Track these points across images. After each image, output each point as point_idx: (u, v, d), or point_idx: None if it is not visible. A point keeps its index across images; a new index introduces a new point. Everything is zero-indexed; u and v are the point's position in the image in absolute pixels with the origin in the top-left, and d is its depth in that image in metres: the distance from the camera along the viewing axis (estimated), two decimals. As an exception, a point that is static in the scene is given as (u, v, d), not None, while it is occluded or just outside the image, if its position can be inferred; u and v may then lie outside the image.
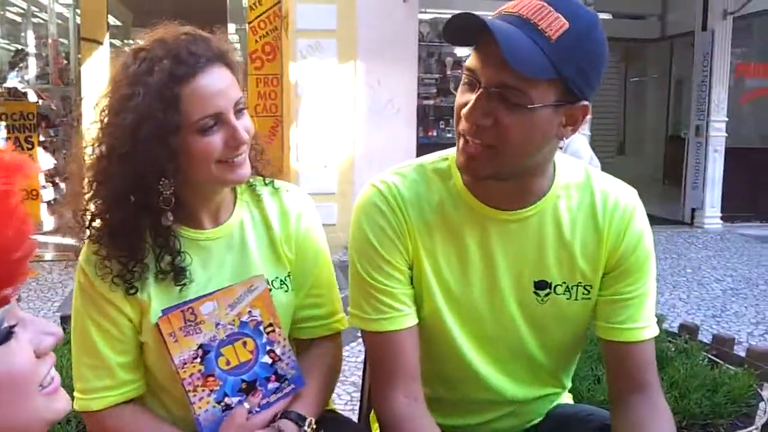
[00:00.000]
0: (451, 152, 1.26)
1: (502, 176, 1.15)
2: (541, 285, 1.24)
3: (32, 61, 9.23)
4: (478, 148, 1.10)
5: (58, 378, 0.77)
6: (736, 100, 8.89)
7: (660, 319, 2.78)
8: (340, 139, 6.60)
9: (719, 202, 8.63)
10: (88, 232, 1.19)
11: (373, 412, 1.50)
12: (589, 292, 1.25)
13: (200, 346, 1.16)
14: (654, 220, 7.35)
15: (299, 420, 1.20)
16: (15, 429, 0.72)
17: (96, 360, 1.20)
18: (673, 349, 2.43)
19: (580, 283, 1.24)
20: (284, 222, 1.32)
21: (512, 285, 1.24)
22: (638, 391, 1.22)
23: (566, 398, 1.44)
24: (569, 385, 1.44)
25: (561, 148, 1.20)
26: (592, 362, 2.26)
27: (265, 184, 1.35)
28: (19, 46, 10.20)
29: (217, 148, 1.16)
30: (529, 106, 1.05)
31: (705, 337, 3.12)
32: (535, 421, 1.38)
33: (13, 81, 8.48)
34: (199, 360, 1.16)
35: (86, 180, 1.17)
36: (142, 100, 1.10)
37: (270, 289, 1.24)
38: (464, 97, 1.11)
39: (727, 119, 8.47)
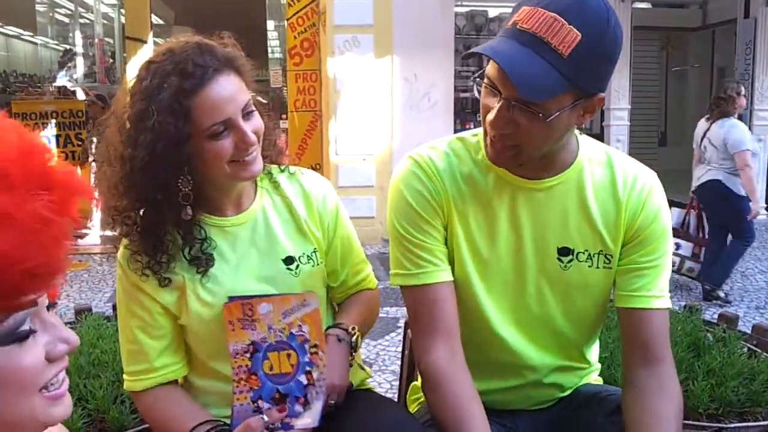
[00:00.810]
0: (479, 130, 1.33)
1: (529, 163, 1.24)
2: (564, 251, 1.30)
3: (80, 61, 9.52)
4: (504, 146, 1.19)
5: (66, 384, 0.80)
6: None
7: (696, 308, 2.80)
8: (378, 132, 6.68)
9: (764, 194, 8.46)
10: (119, 228, 1.29)
11: (409, 391, 1.58)
12: (609, 261, 1.30)
13: (252, 343, 1.23)
14: None
15: (345, 333, 1.35)
16: (8, 424, 0.77)
17: (134, 345, 1.30)
18: (711, 338, 2.44)
19: (601, 251, 1.30)
20: (307, 202, 1.42)
21: (537, 250, 1.30)
22: (650, 363, 1.26)
23: (595, 380, 1.49)
24: (595, 361, 1.49)
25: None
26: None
27: (281, 171, 1.45)
28: (67, 46, 10.52)
29: (228, 151, 1.24)
30: (547, 119, 1.12)
31: (747, 328, 3.11)
32: (563, 395, 1.43)
33: (62, 80, 8.76)
34: (249, 355, 1.23)
35: (111, 182, 1.26)
36: (156, 119, 1.18)
37: (318, 308, 1.29)
38: (487, 100, 1.18)
39: (770, 107, 8.31)
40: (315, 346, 1.23)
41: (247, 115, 1.26)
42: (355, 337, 1.37)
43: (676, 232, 5.30)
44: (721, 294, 5.16)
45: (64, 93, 7.72)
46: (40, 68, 15.54)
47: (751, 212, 4.98)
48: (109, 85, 9.33)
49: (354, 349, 1.36)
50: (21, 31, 15.02)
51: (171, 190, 1.24)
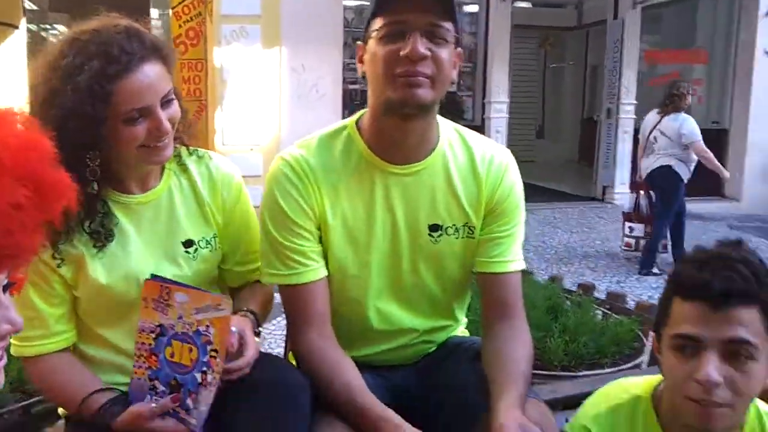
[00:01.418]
0: (348, 121, 1.46)
1: (428, 108, 1.35)
2: (434, 228, 1.44)
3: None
4: (423, 79, 1.30)
5: (3, 361, 0.86)
6: (645, 84, 9.45)
7: (557, 278, 3.09)
8: (265, 123, 6.69)
9: (628, 180, 9.17)
10: None
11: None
12: (472, 232, 1.46)
13: (160, 325, 1.27)
14: (567, 197, 7.85)
15: (253, 315, 1.40)
16: None
17: (32, 312, 1.32)
18: (568, 303, 2.71)
19: (465, 224, 1.45)
20: (213, 189, 1.45)
21: (410, 229, 1.44)
22: (505, 318, 1.44)
23: (462, 332, 1.66)
24: (462, 317, 1.66)
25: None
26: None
27: (190, 154, 1.48)
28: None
29: (140, 137, 1.26)
30: (446, 40, 1.31)
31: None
32: (434, 348, 1.59)
33: None
34: (154, 335, 1.27)
35: None
36: (70, 98, 1.19)
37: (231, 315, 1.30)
38: (393, 45, 1.29)
39: (636, 102, 8.99)
40: (215, 351, 1.25)
41: (166, 103, 1.29)
42: (254, 324, 1.41)
43: (629, 217, 6.15)
44: (656, 270, 5.77)
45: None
46: None
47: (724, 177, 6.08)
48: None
49: (257, 335, 1.40)
50: None
51: (77, 164, 1.22)
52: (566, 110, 14.03)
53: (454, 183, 1.44)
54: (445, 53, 1.31)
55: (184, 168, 1.45)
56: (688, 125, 5.70)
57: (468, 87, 9.09)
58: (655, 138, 5.84)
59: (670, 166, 5.73)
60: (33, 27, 8.89)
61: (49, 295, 1.33)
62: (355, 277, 1.45)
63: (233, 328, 1.27)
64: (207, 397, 1.24)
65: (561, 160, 13.62)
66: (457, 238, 1.46)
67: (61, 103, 1.20)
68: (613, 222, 7.99)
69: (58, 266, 1.30)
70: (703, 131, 5.84)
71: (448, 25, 1.31)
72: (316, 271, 1.40)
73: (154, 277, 1.30)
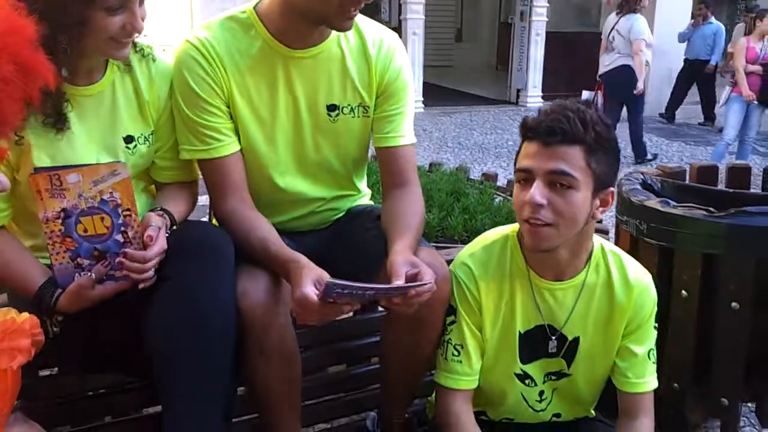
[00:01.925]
0: (245, 7, 1.54)
1: (298, 34, 1.48)
2: (331, 108, 1.59)
3: None
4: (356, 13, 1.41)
5: None
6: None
7: (462, 168, 3.31)
8: (177, 22, 6.54)
9: (540, 83, 9.48)
10: None
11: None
12: (367, 111, 1.61)
13: (63, 210, 1.31)
14: (484, 101, 8.19)
15: (168, 214, 1.47)
16: None
17: None
18: (472, 189, 2.94)
19: (360, 104, 1.59)
20: (151, 88, 1.50)
21: (310, 109, 1.57)
22: (401, 185, 1.61)
23: (366, 202, 1.84)
24: (363, 188, 1.82)
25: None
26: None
27: (135, 51, 1.51)
28: None
29: (114, 28, 1.30)
30: None
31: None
32: (340, 215, 1.76)
33: None
34: (60, 221, 1.31)
35: None
36: None
37: (131, 177, 1.37)
38: None
39: (548, 5, 9.17)
40: (128, 209, 1.35)
41: (141, 2, 1.34)
42: (169, 223, 1.47)
43: None
44: (649, 156, 6.72)
45: None
46: None
47: (638, 88, 6.29)
48: None
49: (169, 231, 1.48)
50: None
51: (54, 46, 1.25)
52: (484, 13, 14.10)
53: (348, 66, 1.57)
54: None
55: (129, 67, 1.49)
56: (638, 25, 6.21)
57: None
58: (612, 38, 6.38)
59: (627, 65, 6.29)
60: None
61: None
62: (263, 152, 1.58)
63: (152, 224, 1.37)
64: (135, 248, 1.34)
65: (479, 65, 13.80)
66: (353, 117, 1.61)
67: None
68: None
69: (17, 143, 1.34)
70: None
71: None
72: (229, 145, 1.52)
73: (36, 169, 1.35)
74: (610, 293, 1.48)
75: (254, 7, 1.54)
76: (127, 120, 1.48)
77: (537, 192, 1.31)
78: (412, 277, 1.32)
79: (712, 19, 8.49)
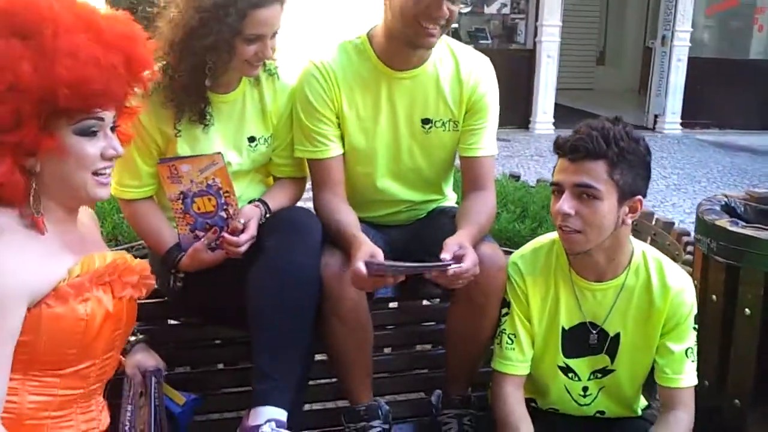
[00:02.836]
0: (361, 34, 1.85)
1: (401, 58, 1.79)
2: (426, 121, 1.86)
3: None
4: (437, 31, 1.70)
5: (109, 179, 1.34)
6: (702, 12, 9.29)
7: (516, 176, 3.41)
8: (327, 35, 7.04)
9: (680, 109, 9.17)
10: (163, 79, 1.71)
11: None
12: (456, 125, 1.88)
13: (181, 192, 1.66)
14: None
15: (264, 204, 1.79)
16: (71, 186, 1.30)
17: (132, 165, 1.73)
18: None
19: (450, 119, 1.87)
20: (274, 100, 1.83)
21: (407, 121, 1.86)
22: (477, 190, 1.86)
23: (449, 204, 2.08)
24: (448, 193, 2.08)
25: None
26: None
27: (264, 70, 1.82)
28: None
29: (249, 55, 1.65)
30: None
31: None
32: (422, 215, 2.02)
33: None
34: (180, 201, 1.67)
35: (168, 42, 1.67)
36: (214, 16, 1.59)
37: (228, 164, 1.70)
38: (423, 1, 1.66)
39: (691, 30, 8.89)
40: (227, 192, 1.69)
41: (273, 35, 1.68)
42: (265, 212, 1.75)
43: None
44: None
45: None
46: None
47: None
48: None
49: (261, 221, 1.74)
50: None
51: (200, 63, 1.65)
52: (629, 36, 13.74)
53: (442, 86, 1.84)
54: (456, 7, 1.68)
55: (258, 81, 1.84)
56: None
57: (521, 10, 9.14)
58: None
59: None
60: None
61: (146, 155, 1.76)
62: (364, 157, 1.88)
63: (241, 220, 1.67)
64: (238, 223, 1.67)
65: (621, 89, 13.44)
66: (444, 130, 1.87)
67: (205, 19, 1.60)
68: (660, 151, 8.11)
69: (176, 135, 1.73)
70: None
71: None
72: (333, 149, 1.84)
73: (161, 160, 1.72)
74: (648, 295, 1.62)
75: (367, 34, 1.86)
76: (252, 124, 1.83)
77: (565, 203, 1.51)
78: (458, 257, 1.55)
79: None
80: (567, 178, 1.52)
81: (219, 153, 1.70)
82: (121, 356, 1.58)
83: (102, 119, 1.29)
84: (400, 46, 1.77)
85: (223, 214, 1.68)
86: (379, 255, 1.56)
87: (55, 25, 1.21)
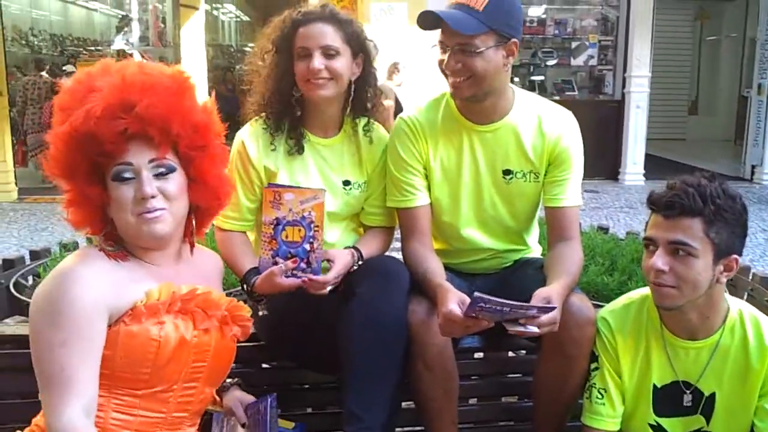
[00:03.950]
0: (446, 91, 1.93)
1: (478, 97, 1.82)
2: (507, 172, 1.91)
3: (135, 26, 10.22)
4: (461, 83, 1.79)
5: (157, 215, 1.40)
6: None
7: (606, 229, 3.32)
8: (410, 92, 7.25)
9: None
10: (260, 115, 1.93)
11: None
12: (537, 177, 1.91)
13: (276, 218, 1.73)
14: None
15: (357, 251, 1.87)
16: (122, 228, 1.42)
17: (234, 199, 1.82)
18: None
19: (531, 170, 1.91)
20: (371, 151, 1.97)
21: (489, 172, 1.91)
22: (563, 240, 1.87)
23: (533, 255, 2.09)
24: (532, 245, 2.09)
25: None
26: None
27: (364, 126, 1.98)
28: (123, 13, 11.21)
29: (303, 71, 1.81)
30: (478, 51, 1.74)
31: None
32: (507, 264, 2.05)
33: (119, 43, 9.48)
34: (272, 227, 1.74)
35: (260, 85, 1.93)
36: (278, 40, 1.86)
37: (324, 202, 1.78)
38: (441, 58, 1.81)
39: (790, 77, 8.56)
40: (317, 227, 1.77)
41: (328, 55, 1.82)
42: (358, 260, 1.83)
43: None
44: None
45: (123, 56, 8.42)
46: (94, 33, 16.32)
47: None
48: (162, 48, 10.03)
49: (355, 267, 1.82)
50: (78, -3, 15.78)
51: (288, 95, 1.86)
52: (722, 86, 13.36)
53: (522, 140, 1.89)
54: (477, 60, 1.75)
55: (356, 131, 1.99)
56: None
57: (608, 61, 9.08)
58: None
59: None
60: (207, 7, 9.97)
61: (248, 190, 1.90)
62: (448, 206, 1.95)
63: (338, 257, 1.77)
64: (316, 258, 1.73)
65: (715, 138, 13.03)
66: (525, 181, 1.91)
67: (273, 48, 1.89)
68: (758, 203, 7.78)
69: (272, 150, 1.89)
70: None
71: (477, 40, 1.73)
72: (420, 198, 1.92)
73: (269, 185, 1.83)
74: (745, 355, 1.57)
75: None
76: (347, 168, 1.96)
77: (659, 259, 1.50)
78: (544, 310, 1.56)
79: None
80: (661, 234, 1.51)
81: (323, 189, 1.79)
82: (217, 395, 1.65)
83: (130, 164, 1.39)
84: (465, 104, 1.89)
85: (307, 246, 1.75)
86: (467, 302, 1.60)
87: (91, 80, 1.41)
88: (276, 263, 1.74)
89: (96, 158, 1.39)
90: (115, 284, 1.36)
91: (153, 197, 1.39)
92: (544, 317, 1.54)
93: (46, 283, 1.34)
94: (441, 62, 1.81)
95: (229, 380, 1.72)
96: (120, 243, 1.45)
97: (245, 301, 1.68)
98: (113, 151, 1.38)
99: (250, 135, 1.91)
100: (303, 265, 1.75)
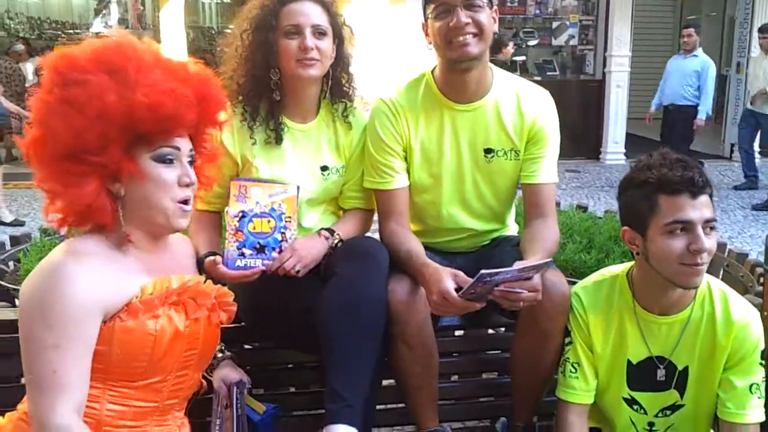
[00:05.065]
0: (426, 71, 1.95)
1: (479, 58, 1.83)
2: (488, 151, 1.93)
3: (113, 8, 10.09)
4: (469, 42, 1.79)
5: (190, 209, 1.44)
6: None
7: (585, 208, 3.37)
8: (390, 73, 7.22)
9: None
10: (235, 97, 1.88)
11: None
12: (518, 155, 1.94)
13: (242, 211, 1.74)
14: (693, 155, 7.98)
15: (330, 232, 1.88)
16: (151, 210, 1.41)
17: None
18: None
19: (512, 149, 1.93)
20: (348, 135, 1.96)
21: (470, 151, 1.93)
22: (539, 216, 1.90)
23: (511, 233, 2.12)
24: (510, 223, 2.13)
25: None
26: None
27: (343, 112, 1.95)
28: (101, -5, 11.06)
29: (293, 50, 1.79)
30: (482, 5, 1.78)
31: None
32: (485, 243, 2.08)
33: (98, 26, 9.36)
34: (237, 219, 1.74)
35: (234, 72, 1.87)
36: (257, 18, 1.81)
37: (304, 191, 1.85)
38: (443, 21, 1.80)
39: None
40: (289, 217, 1.79)
41: (318, 33, 1.81)
42: (336, 241, 1.84)
43: None
44: None
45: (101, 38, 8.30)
46: (72, 16, 16.06)
47: None
48: (141, 31, 9.91)
49: (332, 248, 1.83)
50: (54, -21, 15.49)
51: (265, 77, 1.83)
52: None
53: (503, 118, 1.91)
54: (483, 15, 1.78)
55: (333, 116, 1.97)
56: None
57: (589, 41, 9.11)
58: None
59: None
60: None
61: (218, 175, 1.80)
62: (430, 186, 1.97)
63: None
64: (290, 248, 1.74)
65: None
66: (506, 159, 1.93)
67: (252, 27, 1.82)
68: (737, 181, 7.85)
69: (252, 144, 1.87)
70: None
71: None
72: (399, 180, 1.93)
73: (236, 179, 1.82)
74: (713, 330, 1.62)
75: (431, 71, 1.96)
76: (326, 153, 1.95)
77: (704, 240, 1.50)
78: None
79: None
80: (698, 214, 1.51)
81: (295, 185, 1.80)
82: (207, 374, 1.68)
83: (178, 148, 1.42)
84: (452, 73, 1.88)
85: (278, 236, 1.76)
86: (461, 275, 1.62)
87: (138, 63, 1.37)
88: (242, 254, 1.75)
89: (138, 136, 1.38)
90: (108, 281, 1.35)
91: (191, 185, 1.45)
92: (528, 293, 1.57)
93: (36, 279, 1.32)
94: (443, 27, 1.80)
95: (220, 354, 1.75)
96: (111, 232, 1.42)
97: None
98: (171, 134, 1.41)
99: (226, 128, 1.84)
100: (274, 254, 1.76)
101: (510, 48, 7.36)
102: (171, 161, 1.42)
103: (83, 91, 1.33)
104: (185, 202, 1.44)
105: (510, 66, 8.86)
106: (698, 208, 1.50)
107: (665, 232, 1.53)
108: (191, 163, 1.47)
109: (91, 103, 1.32)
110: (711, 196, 1.53)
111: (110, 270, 1.37)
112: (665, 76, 7.35)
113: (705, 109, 6.97)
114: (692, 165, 1.52)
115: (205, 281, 1.55)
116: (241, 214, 1.75)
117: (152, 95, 1.34)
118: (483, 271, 1.50)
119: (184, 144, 1.44)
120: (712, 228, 1.52)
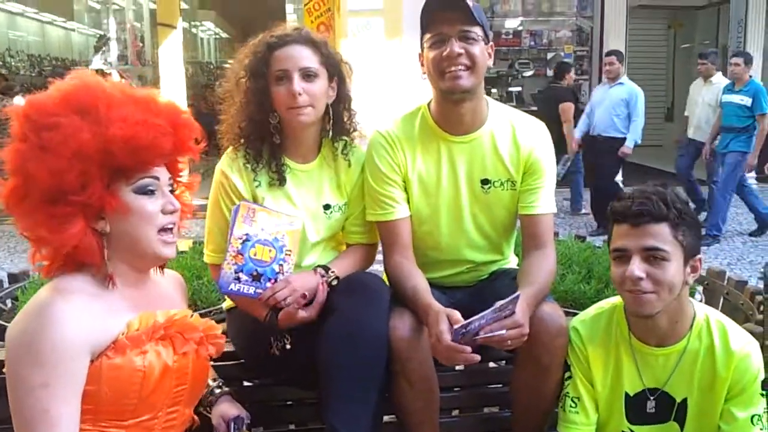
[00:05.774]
0: (422, 104, 1.97)
1: (472, 91, 1.85)
2: (485, 182, 1.94)
3: (113, 45, 10.21)
4: (461, 72, 1.81)
5: (174, 239, 1.45)
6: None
7: (584, 238, 3.36)
8: (389, 107, 7.27)
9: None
10: (233, 143, 1.89)
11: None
12: (514, 185, 1.94)
13: (246, 234, 1.74)
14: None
15: (325, 269, 1.87)
16: (137, 244, 1.42)
17: (218, 229, 1.87)
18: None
19: (508, 180, 1.94)
20: (349, 172, 1.97)
21: (467, 183, 1.94)
22: (537, 248, 1.90)
23: (510, 266, 2.12)
24: (509, 254, 2.13)
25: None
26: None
27: (343, 150, 1.96)
28: (101, 32, 11.21)
29: (283, 96, 1.79)
30: (476, 39, 1.80)
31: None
32: (484, 276, 2.07)
33: (97, 63, 9.46)
34: (240, 241, 1.74)
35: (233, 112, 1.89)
36: (252, 64, 1.82)
37: (304, 231, 1.85)
38: (437, 50, 1.82)
39: (761, 83, 8.70)
40: (289, 251, 1.79)
41: (307, 76, 1.81)
42: (331, 279, 1.82)
43: None
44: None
45: (102, 75, 8.38)
46: (72, 53, 16.26)
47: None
48: (140, 68, 10.02)
49: (330, 286, 1.81)
50: (55, 17, 15.74)
51: (264, 121, 1.84)
52: (697, 92, 13.52)
53: (499, 149, 1.92)
54: (477, 48, 1.81)
55: (334, 155, 1.98)
56: None
57: (584, 71, 9.22)
58: None
59: None
60: (185, 25, 9.97)
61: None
62: (428, 218, 1.97)
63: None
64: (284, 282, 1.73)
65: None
66: (502, 190, 1.94)
67: (247, 74, 1.84)
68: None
69: (256, 187, 1.86)
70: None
71: (476, 29, 1.80)
72: (400, 211, 1.94)
73: (245, 200, 1.83)
74: (712, 361, 1.61)
75: (427, 104, 1.98)
76: (327, 193, 1.96)
77: (635, 267, 1.53)
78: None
79: None
80: (634, 242, 1.54)
81: (297, 217, 1.82)
82: (206, 412, 1.67)
83: (157, 178, 1.43)
84: (446, 104, 1.89)
85: (276, 267, 1.77)
86: (456, 314, 1.62)
87: (108, 100, 1.38)
88: (238, 279, 1.75)
89: (117, 170, 1.38)
90: (95, 318, 1.34)
91: (175, 212, 1.46)
92: (510, 331, 1.57)
93: (23, 320, 1.30)
94: (437, 57, 1.82)
95: (218, 391, 1.73)
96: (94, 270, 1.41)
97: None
98: (149, 165, 1.42)
99: (234, 170, 1.88)
100: (269, 284, 1.75)
101: (572, 74, 7.37)
102: (152, 192, 1.43)
103: (56, 133, 1.34)
104: (169, 229, 1.45)
105: (506, 97, 8.96)
106: (638, 237, 1.53)
107: (612, 260, 1.61)
108: (173, 190, 1.49)
109: (67, 143, 1.33)
110: (676, 226, 1.53)
111: (97, 307, 1.36)
112: (590, 105, 7.13)
113: (633, 137, 6.73)
114: (653, 197, 1.54)
115: (192, 315, 1.53)
116: (245, 237, 1.75)
117: (126, 128, 1.36)
118: (454, 327, 1.53)
119: (163, 173, 1.45)
120: (657, 257, 1.52)
